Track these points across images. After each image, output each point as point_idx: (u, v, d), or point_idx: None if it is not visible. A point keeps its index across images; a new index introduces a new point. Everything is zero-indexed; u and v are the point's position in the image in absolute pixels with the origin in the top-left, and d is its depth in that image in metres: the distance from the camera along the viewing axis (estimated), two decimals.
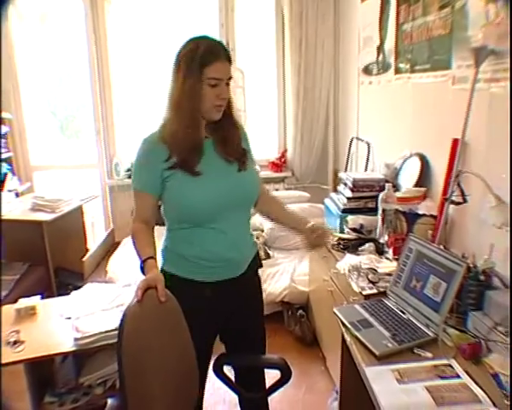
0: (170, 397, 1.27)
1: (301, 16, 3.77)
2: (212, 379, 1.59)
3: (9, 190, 3.57)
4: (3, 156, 3.65)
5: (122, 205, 4.13)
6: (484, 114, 1.76)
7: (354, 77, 3.50)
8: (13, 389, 1.93)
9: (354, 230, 2.32)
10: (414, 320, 1.54)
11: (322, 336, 2.72)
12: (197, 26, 4.01)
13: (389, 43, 2.75)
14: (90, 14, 3.80)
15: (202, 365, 1.55)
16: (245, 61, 4.10)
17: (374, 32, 2.97)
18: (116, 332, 1.96)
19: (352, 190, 2.43)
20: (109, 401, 2.33)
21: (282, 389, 1.57)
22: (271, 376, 1.57)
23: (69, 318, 2.13)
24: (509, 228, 1.56)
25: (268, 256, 3.32)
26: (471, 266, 1.56)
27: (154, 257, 1.43)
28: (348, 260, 2.03)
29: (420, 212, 2.09)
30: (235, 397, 1.74)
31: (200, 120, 1.46)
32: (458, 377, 1.25)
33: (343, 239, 2.29)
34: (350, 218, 2.37)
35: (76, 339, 1.95)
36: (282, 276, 3.10)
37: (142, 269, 1.40)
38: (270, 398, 1.67)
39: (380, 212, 2.18)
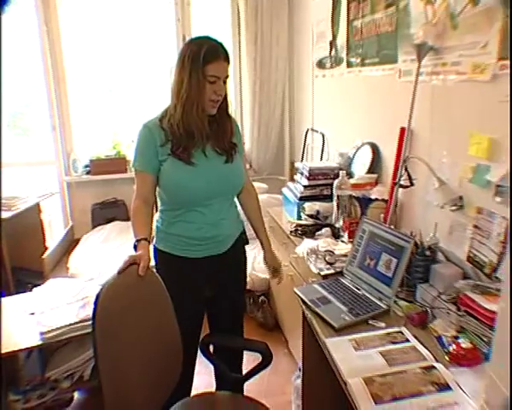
0: (148, 373, 1.33)
1: (256, 11, 3.83)
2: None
3: None
4: None
5: (81, 202, 4.07)
6: (427, 104, 1.90)
7: (308, 71, 3.59)
8: None
9: (311, 216, 2.40)
10: (368, 295, 1.67)
11: (283, 321, 2.83)
12: (153, 20, 3.99)
13: (341, 39, 2.85)
14: (40, 6, 3.66)
15: (191, 343, 1.69)
16: None
17: (326, 28, 3.06)
18: (82, 324, 1.99)
19: (308, 179, 2.51)
20: (76, 395, 2.34)
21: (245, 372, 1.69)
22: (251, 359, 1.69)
23: (33, 313, 2.12)
24: (453, 208, 1.71)
25: None
26: (418, 243, 1.70)
27: (147, 239, 1.53)
28: (306, 245, 2.12)
29: (372, 197, 2.21)
30: None
31: (205, 112, 1.58)
32: (408, 341, 1.38)
33: (301, 225, 2.38)
34: (307, 205, 2.45)
35: (42, 333, 1.95)
36: (256, 259, 3.16)
37: (135, 248, 1.49)
38: None
39: (335, 198, 2.28)
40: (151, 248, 1.64)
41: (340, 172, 2.31)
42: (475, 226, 1.60)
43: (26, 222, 3.36)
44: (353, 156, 2.60)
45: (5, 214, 3.04)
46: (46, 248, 3.52)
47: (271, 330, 2.92)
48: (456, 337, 1.35)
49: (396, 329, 1.46)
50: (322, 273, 1.88)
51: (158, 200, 1.71)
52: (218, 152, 1.65)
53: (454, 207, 1.70)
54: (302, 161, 3.71)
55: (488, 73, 1.49)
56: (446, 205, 1.72)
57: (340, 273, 1.86)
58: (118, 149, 4.09)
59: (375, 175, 2.37)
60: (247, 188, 1.84)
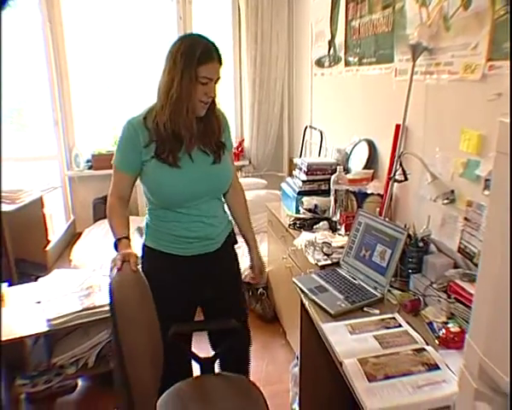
0: (153, 353, 1.41)
1: (257, 10, 3.89)
2: None
3: None
4: None
5: (82, 196, 4.13)
6: (421, 101, 1.97)
7: (307, 69, 3.65)
8: None
9: (309, 210, 2.47)
10: (364, 284, 1.74)
11: (281, 313, 2.90)
12: (155, 17, 4.05)
13: (339, 38, 2.91)
14: (44, 3, 3.70)
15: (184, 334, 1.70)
16: None
17: (325, 28, 3.12)
18: (87, 312, 2.06)
19: (307, 174, 2.57)
20: (80, 382, 2.41)
21: None
22: None
23: (39, 302, 2.19)
24: (445, 201, 1.79)
25: None
26: (412, 235, 1.78)
27: (127, 237, 1.54)
28: (304, 237, 2.19)
29: (368, 191, 2.29)
30: None
31: (194, 114, 1.54)
32: (400, 326, 1.46)
33: (299, 219, 2.46)
34: (305, 199, 2.51)
35: (49, 320, 2.01)
36: (242, 258, 3.23)
37: (116, 247, 1.51)
38: None
39: (332, 193, 2.34)
40: (140, 245, 1.68)
41: (338, 167, 2.36)
42: (466, 219, 1.67)
43: (30, 215, 3.41)
44: (350, 152, 2.66)
45: (10, 207, 3.09)
46: (49, 242, 3.58)
47: (270, 321, 2.99)
48: (446, 323, 1.43)
49: (390, 315, 1.54)
50: (320, 264, 1.95)
51: (144, 198, 1.70)
52: (206, 153, 1.61)
53: (446, 201, 1.77)
54: (301, 157, 3.78)
55: (478, 72, 1.56)
56: (439, 198, 1.80)
57: (337, 264, 1.94)
58: None
59: (371, 170, 2.44)
60: (233, 185, 1.78)
